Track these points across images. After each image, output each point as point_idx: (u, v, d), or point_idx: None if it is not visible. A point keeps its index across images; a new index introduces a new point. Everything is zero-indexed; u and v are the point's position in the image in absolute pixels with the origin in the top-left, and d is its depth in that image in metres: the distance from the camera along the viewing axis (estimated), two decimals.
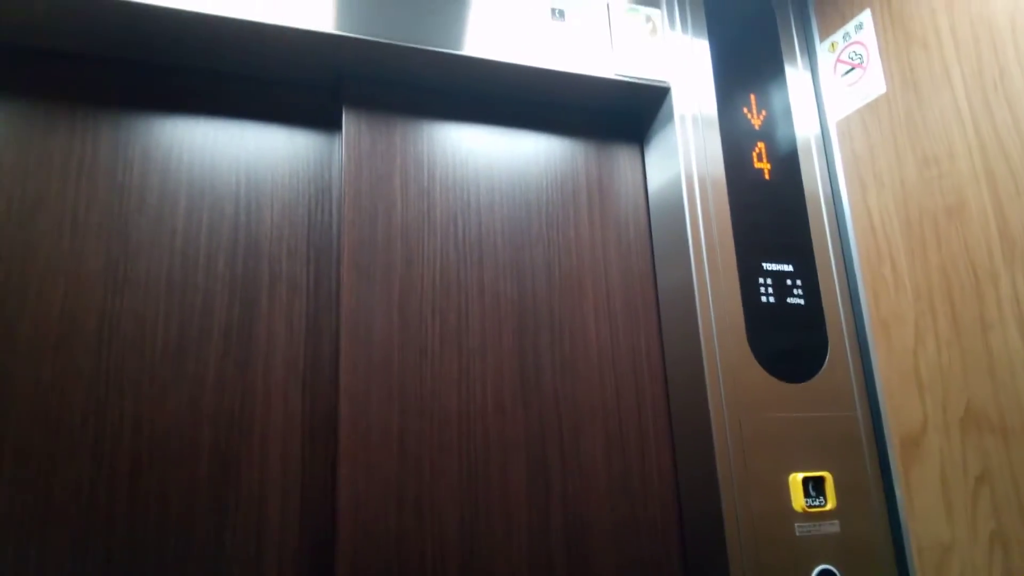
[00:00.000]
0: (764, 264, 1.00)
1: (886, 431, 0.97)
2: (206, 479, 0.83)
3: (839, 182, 1.08)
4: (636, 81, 1.04)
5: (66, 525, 0.77)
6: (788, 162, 1.07)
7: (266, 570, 0.83)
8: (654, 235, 1.09)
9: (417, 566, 0.84)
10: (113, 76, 0.92)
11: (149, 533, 0.80)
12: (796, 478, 0.92)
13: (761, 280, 1.00)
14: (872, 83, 1.03)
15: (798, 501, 0.91)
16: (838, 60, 1.10)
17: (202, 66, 0.96)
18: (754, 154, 1.05)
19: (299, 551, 0.85)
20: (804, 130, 1.10)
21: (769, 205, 1.04)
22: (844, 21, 1.09)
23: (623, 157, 1.13)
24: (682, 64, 1.07)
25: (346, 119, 0.97)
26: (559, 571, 0.90)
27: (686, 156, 1.02)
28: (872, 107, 1.03)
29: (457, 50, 0.95)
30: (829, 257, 1.04)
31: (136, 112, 0.92)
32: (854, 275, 1.04)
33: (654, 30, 1.08)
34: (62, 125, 0.89)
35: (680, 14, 1.10)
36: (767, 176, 1.05)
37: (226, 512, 0.83)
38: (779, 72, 1.12)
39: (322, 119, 1.01)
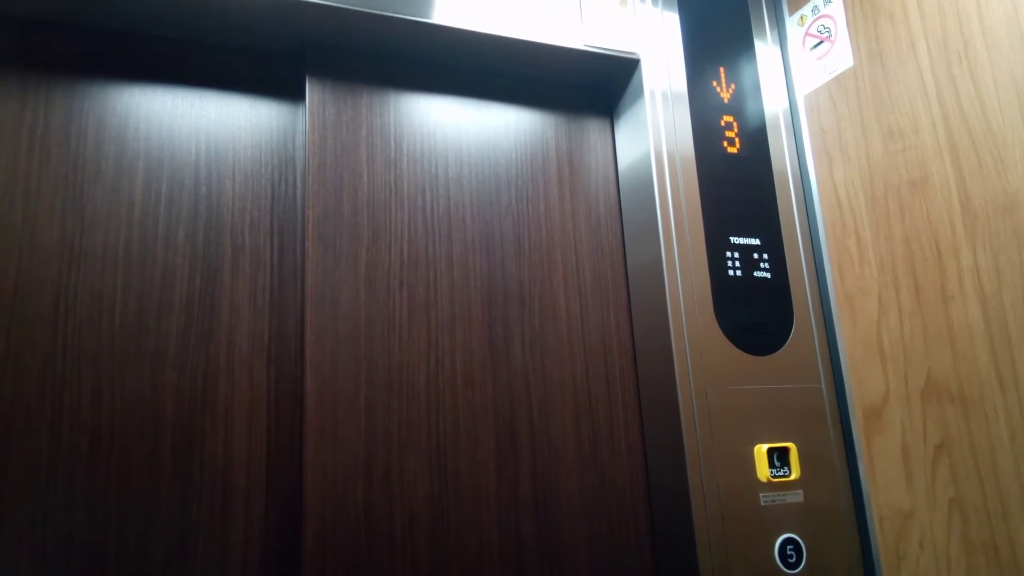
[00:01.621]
0: (732, 238, 1.01)
1: (849, 402, 0.99)
2: (169, 454, 0.81)
3: (806, 156, 1.08)
4: (605, 52, 1.03)
5: (25, 502, 0.75)
6: (756, 136, 1.07)
7: (232, 542, 0.82)
8: (623, 209, 1.08)
9: (386, 538, 0.84)
10: (67, 42, 0.89)
11: (111, 508, 0.78)
12: (761, 449, 0.93)
13: (729, 254, 1.00)
14: (840, 57, 1.03)
15: (763, 471, 0.92)
16: (807, 34, 1.10)
17: (159, 32, 0.93)
18: (723, 128, 1.05)
19: (266, 524, 0.84)
20: (772, 104, 1.10)
21: (737, 179, 1.04)
22: None
23: (593, 130, 1.12)
24: (652, 36, 1.06)
25: (310, 88, 0.95)
26: (528, 542, 0.91)
27: (655, 129, 1.01)
28: (839, 81, 1.03)
29: (424, 18, 0.93)
30: (796, 231, 1.05)
31: (90, 80, 0.89)
32: (820, 249, 1.05)
33: (624, 1, 1.06)
34: (13, 93, 0.85)
35: None
36: (735, 150, 1.05)
37: (190, 486, 0.82)
38: (748, 45, 1.12)
39: (285, 88, 0.99)
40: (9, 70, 0.86)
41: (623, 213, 1.09)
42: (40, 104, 0.86)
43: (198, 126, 0.92)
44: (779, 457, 0.94)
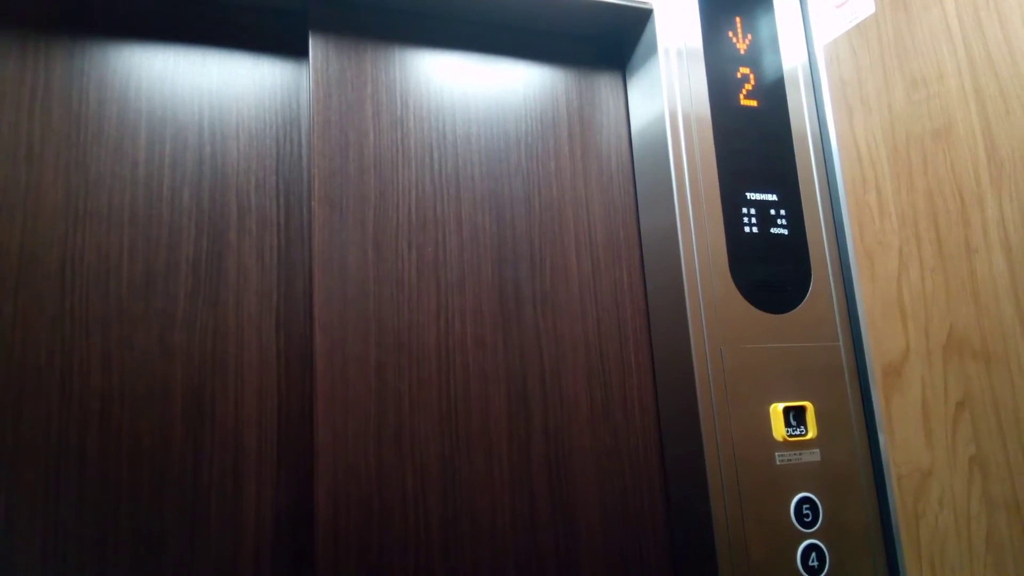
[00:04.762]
0: (748, 194, 0.98)
1: (868, 360, 0.97)
2: (180, 416, 0.81)
3: (825, 109, 1.05)
4: (618, 2, 1.00)
5: (36, 463, 0.76)
6: (774, 89, 1.04)
7: (244, 505, 0.82)
8: (636, 165, 1.06)
9: (398, 499, 0.84)
10: (65, 1, 0.87)
11: (122, 469, 0.78)
12: (777, 408, 0.91)
13: (745, 210, 0.97)
14: (861, 3, 0.99)
15: (779, 430, 0.91)
16: None
17: None
18: (739, 80, 1.02)
19: (277, 484, 0.84)
20: (791, 55, 1.06)
21: (754, 133, 1.01)
22: None
23: (605, 86, 1.09)
24: None
25: (313, 44, 0.92)
26: (541, 502, 0.90)
27: (669, 82, 0.98)
28: (860, 29, 0.99)
29: None
30: (814, 186, 1.02)
31: (91, 38, 0.87)
32: (839, 203, 1.02)
33: None
34: (12, 53, 0.84)
35: None
36: (752, 103, 1.02)
37: (202, 448, 0.82)
38: None
39: (289, 45, 0.96)
40: (7, 30, 0.84)
41: (636, 170, 1.06)
42: (40, 64, 0.85)
43: (200, 85, 0.90)
44: (795, 416, 0.92)
